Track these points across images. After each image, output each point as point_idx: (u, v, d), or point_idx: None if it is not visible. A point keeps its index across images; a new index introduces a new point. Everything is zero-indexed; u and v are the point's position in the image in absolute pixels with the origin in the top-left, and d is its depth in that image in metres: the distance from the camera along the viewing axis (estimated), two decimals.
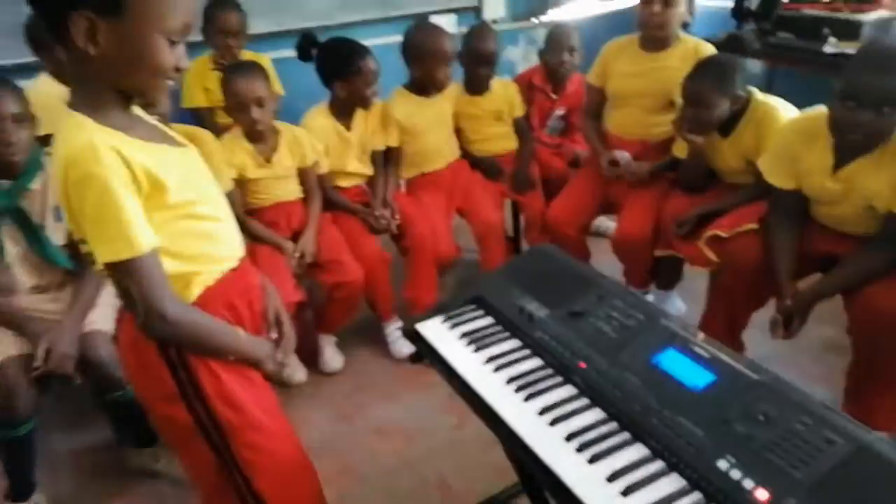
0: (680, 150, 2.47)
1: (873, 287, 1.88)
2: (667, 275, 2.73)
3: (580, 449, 1.20)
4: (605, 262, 2.69)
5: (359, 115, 2.67)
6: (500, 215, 2.88)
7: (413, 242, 2.64)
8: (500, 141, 3.02)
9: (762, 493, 1.03)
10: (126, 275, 1.18)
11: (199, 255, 1.29)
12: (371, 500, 2.07)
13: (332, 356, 2.63)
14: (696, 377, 1.27)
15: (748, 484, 1.05)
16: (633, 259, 2.57)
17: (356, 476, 2.14)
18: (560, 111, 3.21)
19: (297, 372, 2.54)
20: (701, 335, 1.37)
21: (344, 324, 2.63)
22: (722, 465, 1.09)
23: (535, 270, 1.67)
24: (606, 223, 3.43)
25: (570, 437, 1.22)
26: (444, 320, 1.60)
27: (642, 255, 2.53)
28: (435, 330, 1.57)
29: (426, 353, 1.54)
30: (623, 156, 2.58)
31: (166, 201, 1.20)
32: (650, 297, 2.73)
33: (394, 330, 2.70)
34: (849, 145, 1.87)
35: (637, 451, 1.19)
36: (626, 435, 1.22)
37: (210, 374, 1.31)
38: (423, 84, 2.77)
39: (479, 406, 1.36)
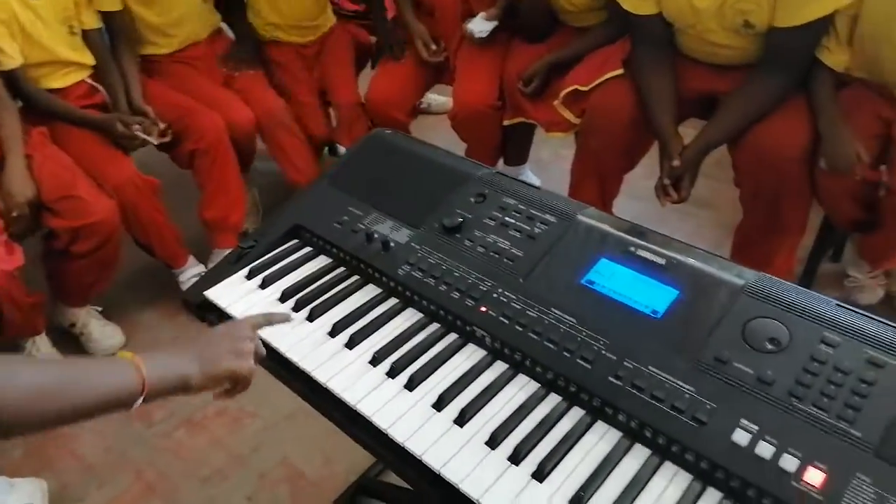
0: None
1: (761, 126, 1.59)
2: (517, 147, 2.30)
3: (515, 460, 0.72)
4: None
5: None
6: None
7: (199, 138, 1.89)
8: None
9: (815, 475, 0.64)
10: None
11: None
12: None
13: (101, 334, 1.88)
14: (650, 296, 0.84)
15: (790, 463, 0.66)
16: (478, 134, 2.10)
17: (168, 489, 1.55)
18: None
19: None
20: (638, 228, 0.93)
21: (103, 287, 1.85)
22: (741, 437, 0.68)
23: (375, 172, 1.11)
24: (430, 97, 2.90)
25: (492, 442, 0.74)
26: (250, 275, 1.00)
27: (488, 128, 2.06)
28: (236, 295, 0.97)
29: None
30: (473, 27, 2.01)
31: None
32: None
33: (190, 278, 2.00)
34: None
35: (605, 438, 0.75)
36: (581, 416, 0.77)
37: None
38: None
39: (343, 418, 0.82)
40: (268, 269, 1.00)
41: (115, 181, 1.76)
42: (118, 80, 1.91)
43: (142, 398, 0.72)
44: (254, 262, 1.01)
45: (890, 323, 0.75)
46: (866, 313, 0.76)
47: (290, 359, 0.86)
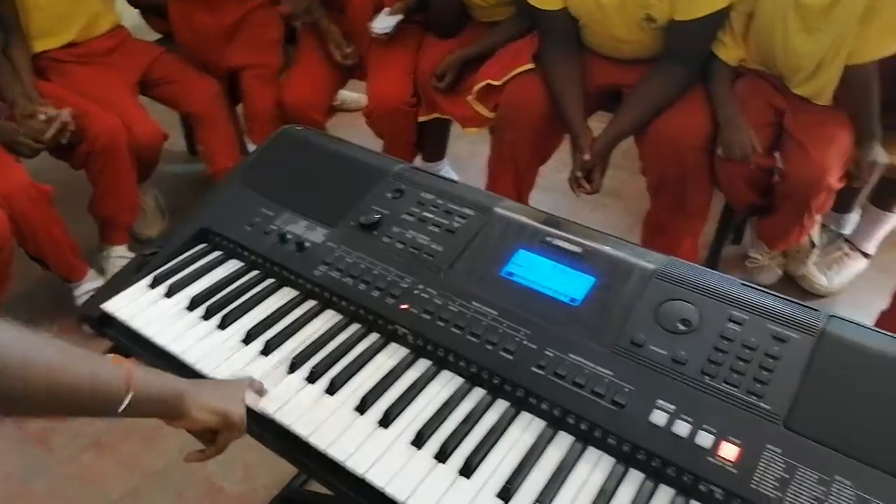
0: None
1: (664, 117, 1.66)
2: (434, 143, 2.29)
3: (442, 458, 0.71)
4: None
5: None
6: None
7: (94, 140, 1.77)
8: None
9: (729, 449, 0.67)
10: None
11: None
12: None
13: None
14: (568, 284, 0.85)
15: (705, 439, 0.68)
16: (394, 130, 2.07)
17: None
18: None
19: None
20: (556, 219, 0.94)
21: None
22: (658, 418, 0.70)
23: (286, 170, 1.07)
24: (343, 94, 2.84)
25: (417, 441, 0.73)
26: (154, 284, 0.94)
27: (404, 124, 2.04)
28: (139, 306, 0.91)
29: (133, 349, 0.89)
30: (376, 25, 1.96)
31: None
32: None
33: (87, 292, 1.86)
34: None
35: (529, 429, 0.75)
36: (506, 408, 0.77)
37: None
38: None
39: (261, 429, 0.78)
40: (174, 275, 0.94)
41: (5, 190, 1.62)
42: (9, 80, 1.76)
43: (127, 400, 0.65)
44: (158, 269, 0.95)
45: (790, 299, 0.79)
46: (769, 291, 0.80)
47: (200, 371, 0.81)
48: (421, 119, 2.04)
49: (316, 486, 1.40)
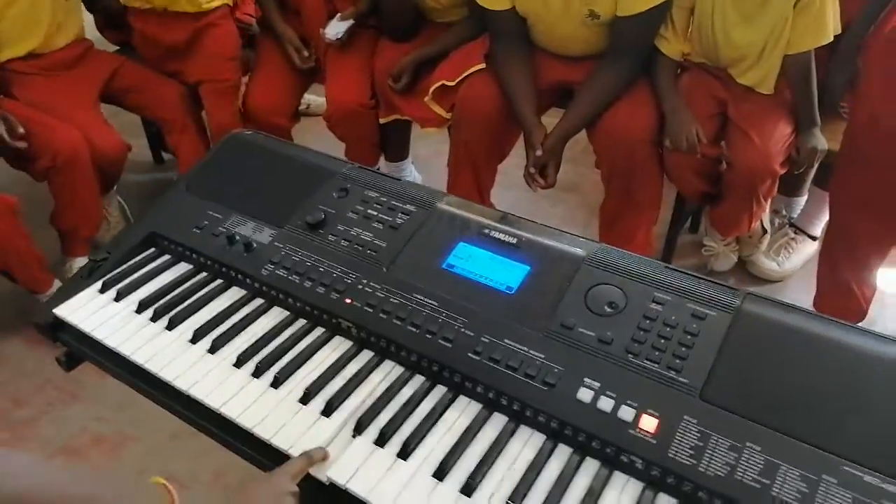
0: None
1: (612, 111, 1.71)
2: (396, 144, 2.32)
3: (381, 442, 0.75)
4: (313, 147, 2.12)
5: None
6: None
7: (54, 155, 1.77)
8: None
9: (649, 422, 0.71)
10: None
11: None
12: None
13: None
14: (505, 273, 0.89)
15: (627, 413, 0.72)
16: (355, 133, 2.09)
17: None
18: None
19: None
20: (495, 213, 0.98)
21: None
22: (584, 395, 0.74)
23: (233, 174, 1.09)
24: (309, 98, 2.86)
25: (358, 428, 0.76)
26: (103, 288, 0.96)
27: (365, 126, 2.07)
28: (89, 309, 0.93)
29: (86, 353, 0.91)
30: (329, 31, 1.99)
31: None
32: None
33: None
34: None
35: (466, 412, 0.78)
36: (444, 393, 0.80)
37: None
38: None
39: (209, 424, 0.81)
40: (123, 280, 0.96)
41: None
42: None
43: None
44: (107, 274, 0.97)
45: (709, 279, 0.83)
46: (693, 273, 0.85)
47: (149, 370, 0.84)
48: (382, 121, 2.07)
49: None
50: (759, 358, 0.74)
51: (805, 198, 2.07)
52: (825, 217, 2.01)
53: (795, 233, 2.01)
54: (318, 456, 0.73)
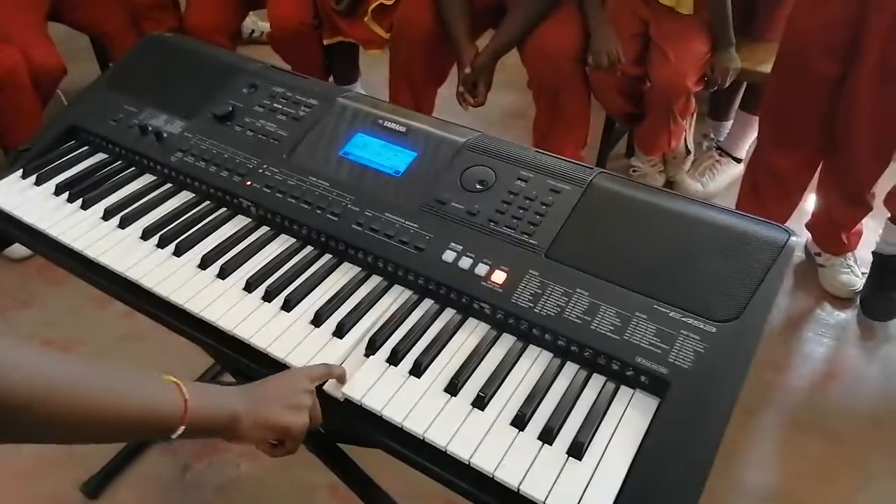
0: None
1: (540, 30, 1.76)
2: (343, 66, 2.36)
3: (268, 299, 0.84)
4: None
5: None
6: None
7: None
8: None
9: (499, 275, 0.81)
10: None
11: None
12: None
13: None
14: (394, 159, 0.97)
15: (482, 269, 0.82)
16: (298, 53, 2.13)
17: None
18: None
19: None
20: (390, 106, 1.06)
21: None
22: (448, 256, 0.84)
23: (151, 72, 1.15)
24: (259, 24, 2.86)
25: (248, 286, 0.85)
26: (24, 175, 1.03)
27: (307, 47, 2.10)
28: (11, 193, 1.00)
29: (13, 233, 0.99)
30: None
31: None
32: None
33: None
34: None
35: (346, 275, 0.88)
36: (328, 259, 0.90)
37: None
38: None
39: (122, 290, 0.90)
40: (43, 167, 1.03)
41: None
42: None
43: (183, 427, 0.62)
44: (29, 163, 1.04)
45: (574, 161, 0.92)
46: (561, 157, 0.94)
47: (63, 242, 0.92)
48: (325, 42, 2.11)
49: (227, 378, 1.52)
50: (600, 223, 0.84)
51: (732, 121, 2.16)
52: (750, 139, 2.11)
53: (721, 155, 2.11)
54: (337, 372, 0.75)
